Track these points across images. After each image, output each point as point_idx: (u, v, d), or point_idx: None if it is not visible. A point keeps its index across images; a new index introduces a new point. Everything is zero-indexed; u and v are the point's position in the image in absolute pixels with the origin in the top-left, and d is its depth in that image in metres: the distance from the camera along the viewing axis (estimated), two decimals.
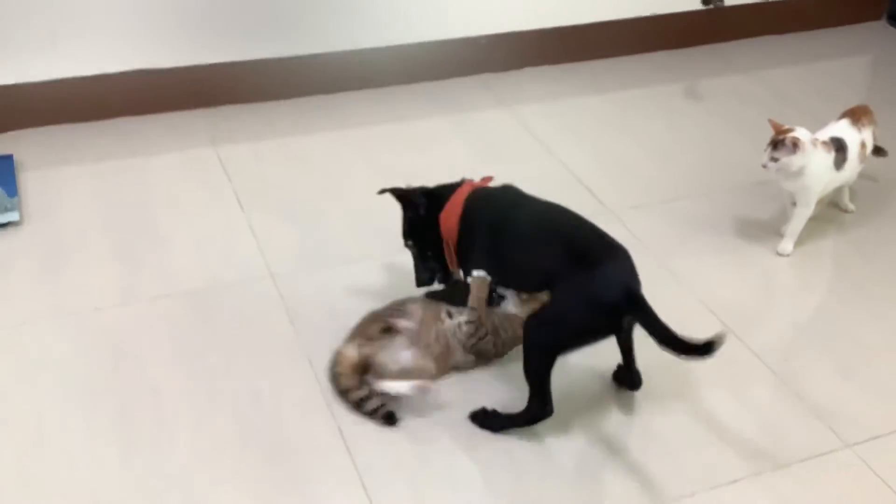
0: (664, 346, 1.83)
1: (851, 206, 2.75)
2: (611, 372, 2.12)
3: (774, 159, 2.41)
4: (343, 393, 2.02)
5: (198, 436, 1.96)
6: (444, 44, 3.32)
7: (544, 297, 1.99)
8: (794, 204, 2.55)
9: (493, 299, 2.14)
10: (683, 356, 1.83)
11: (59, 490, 1.83)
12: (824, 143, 2.48)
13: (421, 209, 2.17)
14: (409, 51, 3.28)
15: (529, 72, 3.46)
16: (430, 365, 2.06)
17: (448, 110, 3.21)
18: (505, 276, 2.10)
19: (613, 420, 2.04)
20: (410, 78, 3.33)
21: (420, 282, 2.23)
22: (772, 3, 3.74)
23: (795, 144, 2.39)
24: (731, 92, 3.44)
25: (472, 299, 2.09)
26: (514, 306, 2.12)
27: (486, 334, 2.09)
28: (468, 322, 2.08)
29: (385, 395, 2.00)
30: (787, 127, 2.44)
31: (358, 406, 2.00)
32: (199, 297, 2.33)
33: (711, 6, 3.60)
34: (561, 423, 1.98)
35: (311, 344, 2.18)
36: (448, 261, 2.18)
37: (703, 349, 1.79)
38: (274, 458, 1.92)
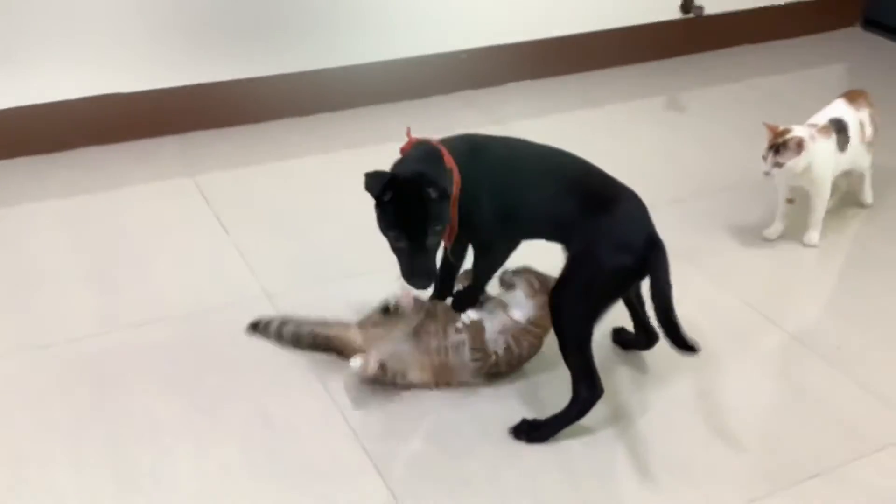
0: (660, 316, 1.71)
1: (869, 199, 2.63)
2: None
3: (779, 164, 2.28)
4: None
5: (204, 464, 1.71)
6: (424, 60, 3.17)
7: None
8: (790, 201, 2.44)
9: (504, 284, 1.93)
10: (667, 338, 1.72)
11: None
12: (822, 129, 2.36)
13: (434, 192, 1.68)
14: (388, 68, 3.12)
15: (512, 87, 3.33)
16: (427, 376, 1.88)
17: (433, 128, 3.03)
18: (515, 231, 1.85)
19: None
20: (390, 97, 3.16)
21: (422, 279, 1.76)
22: (750, 12, 3.69)
23: (800, 145, 2.27)
24: (716, 100, 3.35)
25: (473, 341, 1.87)
26: (525, 297, 1.90)
27: (495, 362, 1.88)
28: (474, 355, 1.87)
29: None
30: (783, 128, 2.32)
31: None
32: (190, 322, 2.09)
33: (692, 15, 3.53)
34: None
35: (318, 361, 1.94)
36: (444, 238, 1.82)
37: (686, 346, 1.71)
38: (294, 484, 1.67)
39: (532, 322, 1.88)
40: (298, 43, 2.98)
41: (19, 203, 2.56)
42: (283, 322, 1.92)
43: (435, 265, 1.76)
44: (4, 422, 1.80)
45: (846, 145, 2.40)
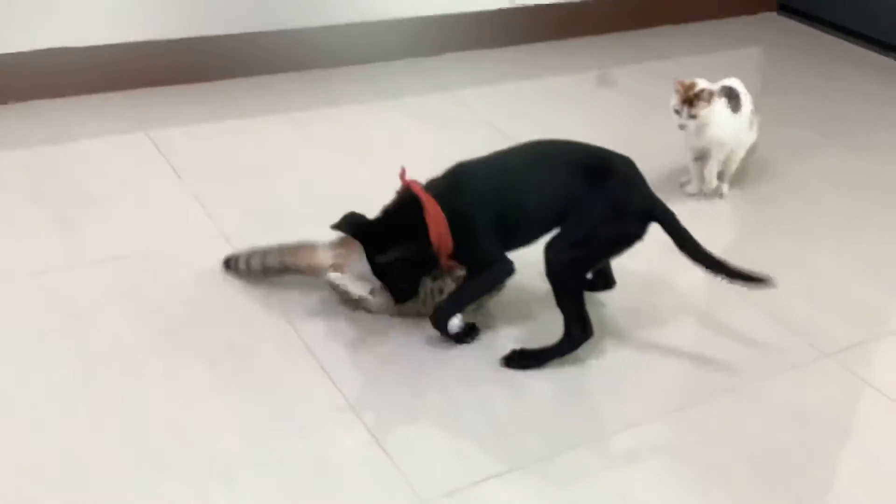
0: (688, 255, 1.94)
1: (726, 189, 2.71)
2: None
3: (693, 116, 2.47)
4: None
5: (173, 384, 1.82)
6: (369, 26, 3.29)
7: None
8: (698, 158, 2.61)
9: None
10: (735, 281, 1.94)
11: (26, 445, 1.66)
12: (718, 90, 2.54)
13: (415, 248, 1.89)
14: (337, 33, 3.24)
15: (453, 56, 3.48)
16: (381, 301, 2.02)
17: (377, 92, 3.18)
18: (522, 239, 1.97)
19: (605, 346, 2.02)
20: (338, 61, 3.28)
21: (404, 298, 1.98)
22: None
23: (711, 95, 2.47)
24: (644, 75, 3.54)
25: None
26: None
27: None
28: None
29: None
30: (689, 82, 2.50)
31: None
32: (151, 259, 2.19)
33: None
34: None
35: (277, 294, 2.08)
36: (444, 266, 1.97)
37: (748, 278, 1.94)
38: (260, 399, 1.80)
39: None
40: (252, 4, 3.08)
41: None
42: (250, 255, 2.05)
43: (412, 288, 1.96)
44: None
45: (739, 109, 2.58)
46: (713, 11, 4.05)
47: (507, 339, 1.99)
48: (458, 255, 1.93)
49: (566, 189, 1.92)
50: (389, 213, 1.93)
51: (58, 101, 2.87)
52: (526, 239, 1.97)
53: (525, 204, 1.92)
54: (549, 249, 1.90)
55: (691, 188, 2.66)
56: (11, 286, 2.06)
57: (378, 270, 1.93)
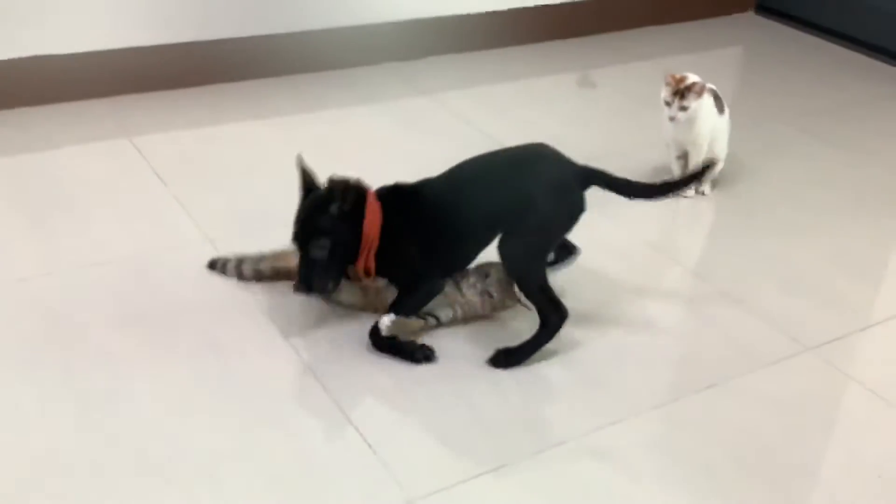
0: (638, 196, 2.05)
1: (707, 189, 2.73)
2: None
3: (684, 108, 2.50)
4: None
5: (159, 386, 1.82)
6: (350, 30, 3.30)
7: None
8: (680, 157, 2.63)
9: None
10: (661, 197, 2.07)
11: (10, 449, 1.66)
12: (706, 88, 2.58)
13: (347, 205, 1.90)
14: (318, 38, 3.24)
15: (434, 60, 3.49)
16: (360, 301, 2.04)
17: (360, 97, 3.19)
18: (462, 260, 2.02)
19: (588, 336, 2.04)
20: (319, 66, 3.29)
21: (313, 287, 1.94)
22: None
23: (703, 89, 2.50)
24: (625, 76, 3.58)
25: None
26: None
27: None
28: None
29: None
30: (680, 75, 2.53)
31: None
32: (135, 263, 2.19)
33: None
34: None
35: (262, 295, 2.09)
36: (359, 268, 1.95)
37: (689, 181, 2.09)
38: (246, 399, 1.81)
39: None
40: (233, 9, 3.08)
41: None
42: (240, 261, 2.07)
43: (315, 278, 1.91)
44: None
45: (724, 110, 2.63)
46: (692, 12, 4.08)
47: (491, 337, 2.00)
48: (385, 270, 1.95)
49: (504, 198, 1.94)
50: (336, 191, 1.91)
51: (40, 108, 2.86)
52: (465, 259, 2.01)
53: (460, 231, 1.96)
54: (504, 246, 1.92)
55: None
56: None
57: (304, 229, 1.91)
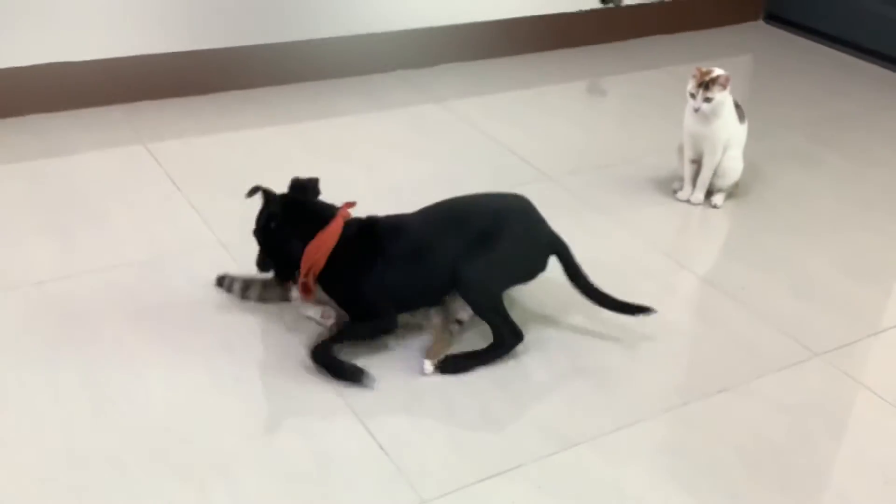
0: (578, 288, 2.04)
1: (720, 200, 2.73)
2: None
3: (708, 99, 2.52)
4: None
5: (174, 386, 1.85)
6: (363, 38, 3.34)
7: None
8: (694, 161, 2.65)
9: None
10: (605, 308, 2.05)
11: (29, 447, 1.68)
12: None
13: (273, 223, 2.00)
14: (332, 46, 3.28)
15: (446, 68, 3.52)
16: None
17: (374, 104, 3.21)
18: (425, 300, 2.06)
19: (594, 342, 2.06)
20: (334, 73, 3.32)
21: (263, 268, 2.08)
22: (662, 4, 3.97)
23: (727, 80, 2.52)
24: (634, 84, 3.60)
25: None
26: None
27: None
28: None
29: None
30: (706, 69, 2.56)
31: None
32: (149, 267, 2.22)
33: (610, 5, 3.78)
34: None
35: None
36: (301, 287, 2.00)
37: (630, 309, 2.04)
38: (259, 400, 1.84)
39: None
40: (248, 17, 3.12)
41: None
42: (247, 284, 2.10)
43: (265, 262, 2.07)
44: None
45: (743, 119, 2.65)
46: (700, 21, 4.11)
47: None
48: (335, 294, 1.99)
49: (457, 252, 1.95)
50: (308, 201, 2.03)
51: (57, 114, 2.90)
52: (439, 293, 2.04)
53: (432, 271, 1.97)
54: (464, 270, 1.93)
55: (682, 194, 2.70)
56: (12, 295, 2.08)
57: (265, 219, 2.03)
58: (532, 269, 2.04)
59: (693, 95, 2.54)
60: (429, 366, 1.94)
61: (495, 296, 1.98)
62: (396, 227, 2.01)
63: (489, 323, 1.97)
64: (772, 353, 2.08)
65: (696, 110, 2.54)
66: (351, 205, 2.04)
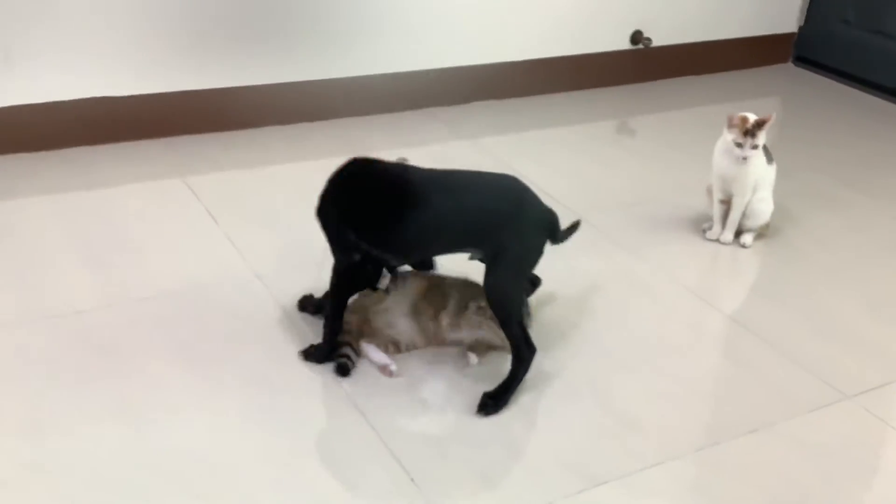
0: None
1: (749, 240, 2.74)
2: None
3: (755, 146, 2.54)
4: None
5: (208, 416, 1.89)
6: (394, 77, 3.40)
7: None
8: (723, 201, 2.67)
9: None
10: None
11: (66, 474, 1.72)
12: None
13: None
14: (364, 83, 3.35)
15: (476, 105, 3.58)
16: (419, 339, 2.11)
17: (404, 141, 3.27)
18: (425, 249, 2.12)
19: (615, 379, 2.07)
20: (365, 110, 3.38)
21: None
22: (693, 45, 4.00)
23: (765, 123, 2.54)
24: (662, 125, 3.63)
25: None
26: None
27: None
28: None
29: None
30: (742, 115, 2.57)
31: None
32: (185, 298, 2.27)
33: (641, 46, 3.83)
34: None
35: (309, 330, 2.14)
36: None
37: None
38: (290, 430, 1.87)
39: None
40: (283, 56, 3.19)
41: (13, 197, 2.69)
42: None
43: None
44: (22, 383, 1.95)
45: (771, 160, 2.68)
46: (731, 63, 4.14)
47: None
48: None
49: (483, 216, 1.98)
50: None
51: (98, 147, 2.97)
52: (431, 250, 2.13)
53: (406, 226, 2.01)
54: (494, 286, 1.95)
55: (712, 233, 2.72)
56: (51, 324, 2.13)
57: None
58: (539, 257, 2.04)
59: (740, 145, 2.55)
60: (474, 358, 2.00)
61: (519, 306, 2.00)
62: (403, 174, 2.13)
63: (511, 338, 1.98)
64: (801, 394, 2.09)
65: (745, 159, 2.56)
66: None
